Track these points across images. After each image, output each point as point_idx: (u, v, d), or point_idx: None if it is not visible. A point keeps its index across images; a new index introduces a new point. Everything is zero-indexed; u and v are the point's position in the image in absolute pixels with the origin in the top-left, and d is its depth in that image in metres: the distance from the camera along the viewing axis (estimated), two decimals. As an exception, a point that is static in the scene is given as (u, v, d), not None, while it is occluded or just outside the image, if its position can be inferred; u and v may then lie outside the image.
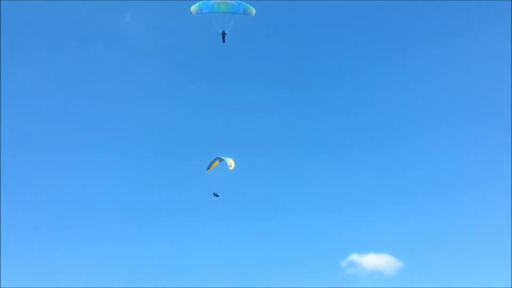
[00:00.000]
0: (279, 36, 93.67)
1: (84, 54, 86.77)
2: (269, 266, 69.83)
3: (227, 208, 72.54)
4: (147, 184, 78.99)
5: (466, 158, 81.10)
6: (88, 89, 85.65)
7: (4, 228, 65.84)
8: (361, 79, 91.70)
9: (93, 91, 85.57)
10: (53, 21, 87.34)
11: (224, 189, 53.71)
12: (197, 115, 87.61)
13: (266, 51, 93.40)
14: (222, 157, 49.56)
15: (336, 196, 78.95)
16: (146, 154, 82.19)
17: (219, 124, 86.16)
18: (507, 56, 79.93)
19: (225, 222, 74.16)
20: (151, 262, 69.48)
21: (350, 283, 69.55)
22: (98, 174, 78.70)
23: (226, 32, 50.34)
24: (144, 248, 71.57)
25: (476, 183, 77.66)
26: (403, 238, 72.53)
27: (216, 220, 73.98)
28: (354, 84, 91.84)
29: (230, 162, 48.72)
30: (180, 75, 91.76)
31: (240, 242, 73.38)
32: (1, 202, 67.18)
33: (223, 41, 50.81)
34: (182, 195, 78.05)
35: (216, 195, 52.46)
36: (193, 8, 47.65)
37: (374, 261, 70.99)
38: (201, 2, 47.23)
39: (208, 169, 50.61)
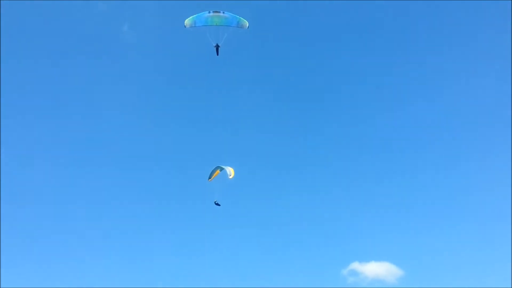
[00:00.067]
0: (275, 45, 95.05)
1: (83, 58, 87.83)
2: (271, 275, 70.21)
3: (228, 216, 73.27)
4: (149, 193, 79.17)
5: (467, 166, 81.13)
6: (88, 93, 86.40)
7: (4, 228, 66.01)
8: (360, 86, 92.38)
9: (92, 96, 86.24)
10: (53, 21, 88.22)
11: (225, 198, 54.19)
12: (198, 123, 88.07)
13: (263, 60, 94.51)
14: (222, 166, 50.03)
15: (337, 205, 78.86)
16: (147, 163, 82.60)
17: (220, 133, 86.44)
18: (507, 56, 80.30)
19: (226, 231, 74.83)
20: (152, 271, 69.70)
21: (352, 292, 69.74)
22: (98, 177, 79.11)
23: (220, 44, 51.00)
24: (145, 255, 71.97)
25: (477, 192, 77.70)
26: (404, 246, 73.15)
27: (217, 229, 74.52)
28: (351, 92, 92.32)
29: (230, 171, 49.09)
30: (179, 84, 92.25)
31: (241, 250, 73.75)
32: (1, 202, 67.43)
33: (217, 54, 51.47)
34: (183, 204, 78.46)
35: (217, 204, 52.79)
36: (187, 21, 48.10)
37: (375, 269, 71.22)
38: (195, 15, 47.68)
39: (209, 178, 51.05)
